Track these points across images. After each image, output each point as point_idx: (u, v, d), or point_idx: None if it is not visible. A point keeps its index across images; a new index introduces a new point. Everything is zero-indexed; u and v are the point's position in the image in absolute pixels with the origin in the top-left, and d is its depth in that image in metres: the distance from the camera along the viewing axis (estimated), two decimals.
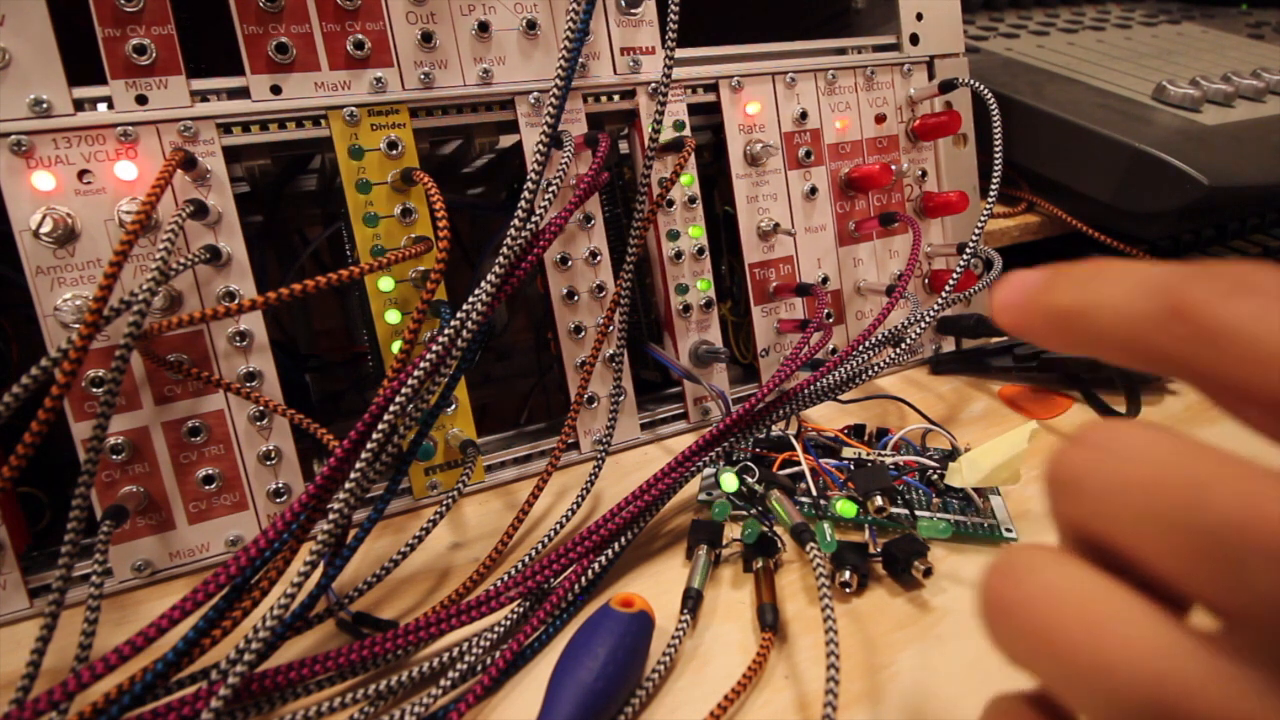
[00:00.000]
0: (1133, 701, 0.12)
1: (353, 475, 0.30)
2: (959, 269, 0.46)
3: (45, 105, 0.35)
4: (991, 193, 0.48)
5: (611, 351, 0.46)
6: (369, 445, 0.31)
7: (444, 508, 0.38)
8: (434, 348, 0.33)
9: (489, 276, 0.35)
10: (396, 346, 0.41)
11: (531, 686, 0.30)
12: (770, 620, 0.31)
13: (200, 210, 0.37)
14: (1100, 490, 0.14)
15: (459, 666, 0.29)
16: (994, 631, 0.14)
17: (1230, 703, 0.12)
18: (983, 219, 0.47)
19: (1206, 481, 0.13)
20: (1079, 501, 0.14)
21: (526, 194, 0.37)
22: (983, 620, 0.15)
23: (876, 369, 0.41)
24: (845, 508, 0.36)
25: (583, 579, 0.33)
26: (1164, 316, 0.14)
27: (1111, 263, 0.16)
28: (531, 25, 0.43)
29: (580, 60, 0.45)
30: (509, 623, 0.32)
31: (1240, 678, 0.12)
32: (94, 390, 0.36)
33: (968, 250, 0.47)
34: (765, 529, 0.36)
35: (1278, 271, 0.13)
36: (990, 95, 0.49)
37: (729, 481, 0.38)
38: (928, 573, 0.33)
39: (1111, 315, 0.15)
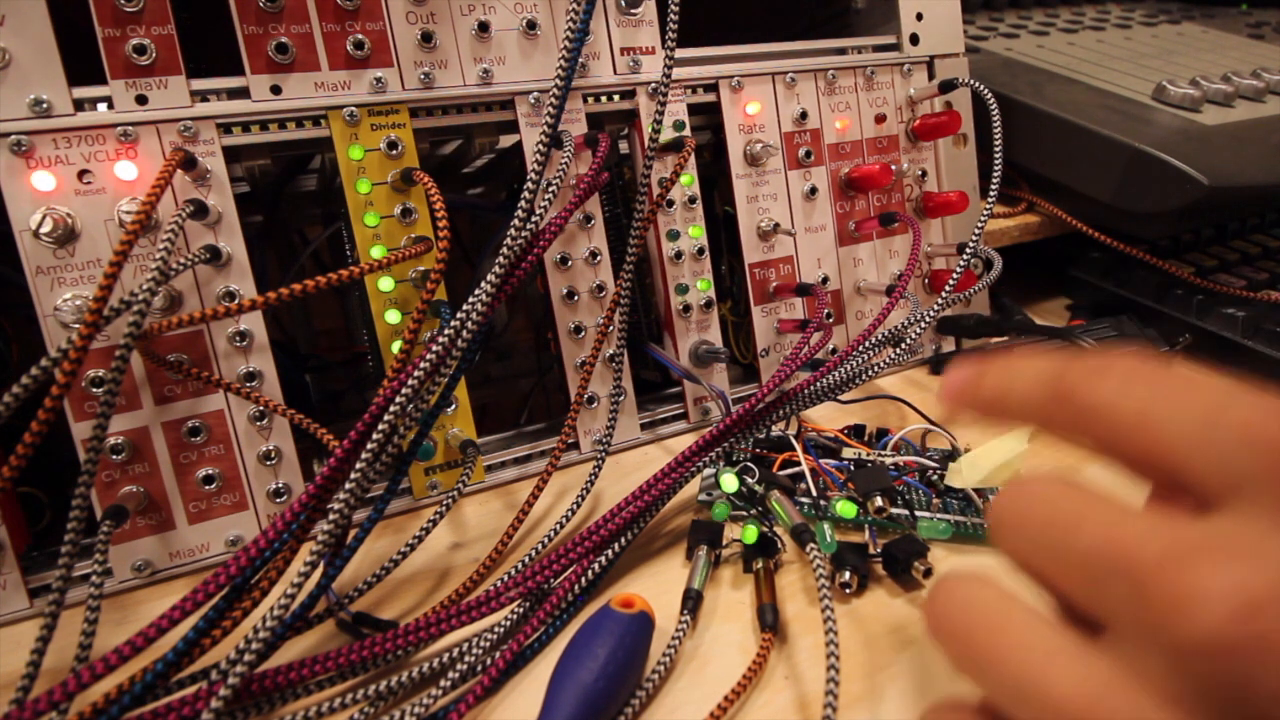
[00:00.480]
0: (1020, 692, 0.16)
1: (353, 475, 0.30)
2: (959, 269, 0.46)
3: (45, 105, 0.35)
4: (991, 193, 0.48)
5: (611, 351, 0.46)
6: (369, 445, 0.31)
7: (444, 508, 0.38)
8: (434, 348, 0.33)
9: (489, 276, 0.35)
10: (396, 346, 0.41)
11: (532, 687, 0.30)
12: (770, 621, 0.31)
13: (200, 210, 0.37)
14: (1015, 527, 0.18)
15: (459, 667, 0.29)
16: (932, 637, 0.18)
17: (1096, 695, 0.15)
18: (983, 219, 0.47)
19: (1082, 517, 0.17)
20: (1004, 536, 0.19)
21: (526, 194, 0.37)
22: (926, 628, 0.19)
23: (876, 369, 0.41)
24: (845, 508, 0.36)
25: (583, 579, 0.33)
26: (1052, 400, 0.19)
27: (1021, 358, 0.20)
28: (531, 25, 0.43)
29: (580, 60, 0.45)
30: (509, 623, 0.32)
31: (1107, 675, 0.15)
32: (94, 390, 0.36)
33: (968, 250, 0.47)
34: (765, 529, 0.36)
35: (1130, 358, 0.18)
36: (990, 95, 0.49)
37: (729, 482, 0.38)
38: (928, 573, 0.33)
39: (1019, 401, 0.20)
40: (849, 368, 0.40)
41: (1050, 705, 0.15)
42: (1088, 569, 0.16)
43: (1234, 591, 0.14)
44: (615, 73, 0.46)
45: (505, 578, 0.34)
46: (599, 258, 0.46)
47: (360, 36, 0.40)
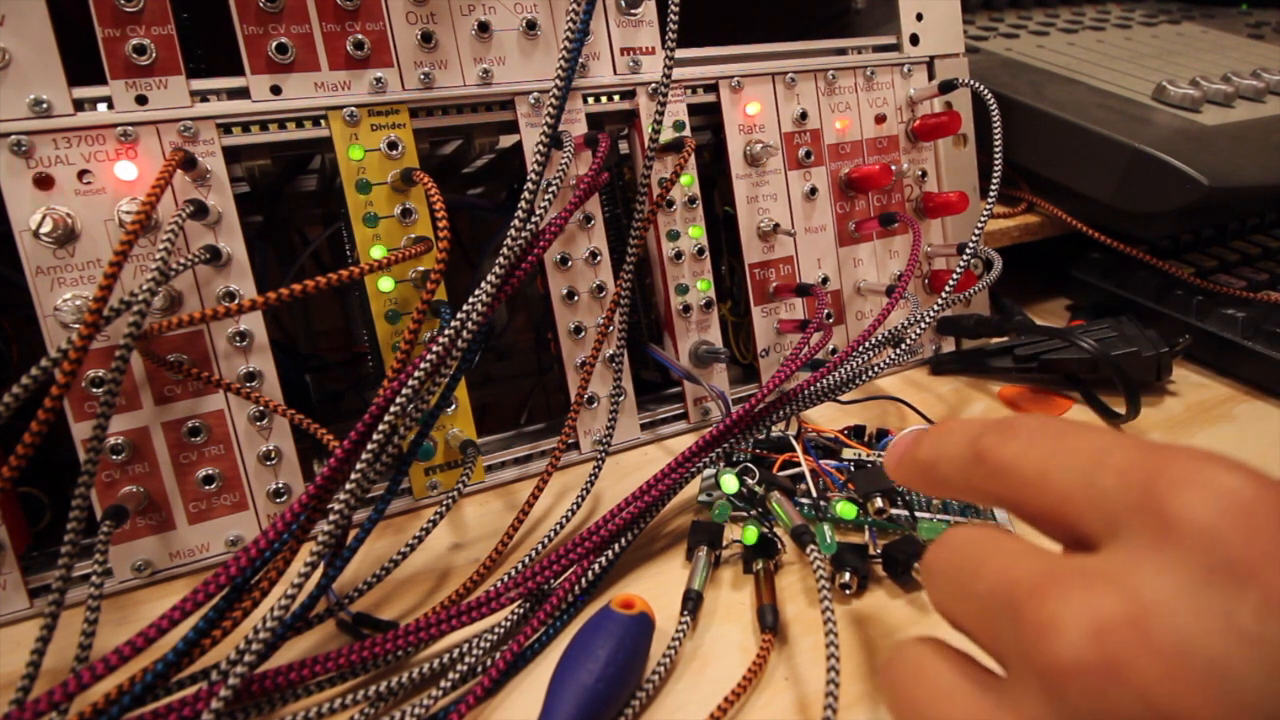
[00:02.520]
0: None
1: (353, 476, 0.30)
2: (959, 269, 0.46)
3: (45, 105, 0.35)
4: (991, 193, 0.48)
5: (611, 351, 0.46)
6: (369, 446, 0.31)
7: (444, 508, 0.38)
8: (434, 348, 0.33)
9: (489, 277, 0.35)
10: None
11: (532, 688, 0.30)
12: (770, 621, 0.31)
13: (200, 210, 0.37)
14: (934, 575, 0.20)
15: (459, 667, 0.29)
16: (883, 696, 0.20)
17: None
18: (983, 219, 0.47)
19: (985, 561, 0.18)
20: (928, 585, 0.20)
21: (526, 194, 0.37)
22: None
23: (876, 369, 0.41)
24: (845, 509, 0.36)
25: (583, 580, 0.33)
26: (972, 462, 0.20)
27: (951, 424, 0.22)
28: (531, 25, 0.43)
29: (580, 60, 0.45)
30: (509, 624, 0.32)
31: (1003, 710, 0.16)
32: (94, 390, 0.36)
33: (968, 250, 0.47)
34: (765, 530, 0.36)
35: (1034, 419, 0.20)
36: (990, 95, 0.49)
37: (729, 483, 0.38)
38: None
39: (947, 465, 0.21)
40: (849, 368, 0.40)
41: (1015, 590, 0.17)
42: (983, 609, 0.18)
43: (1087, 617, 0.15)
44: (615, 73, 0.46)
45: (505, 578, 0.34)
46: (599, 258, 0.46)
47: (360, 36, 0.40)
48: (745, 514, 0.38)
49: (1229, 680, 0.14)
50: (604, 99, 0.46)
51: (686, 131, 0.48)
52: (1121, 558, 0.16)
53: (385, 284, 0.41)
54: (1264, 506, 0.15)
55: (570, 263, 0.45)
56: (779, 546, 0.35)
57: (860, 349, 0.41)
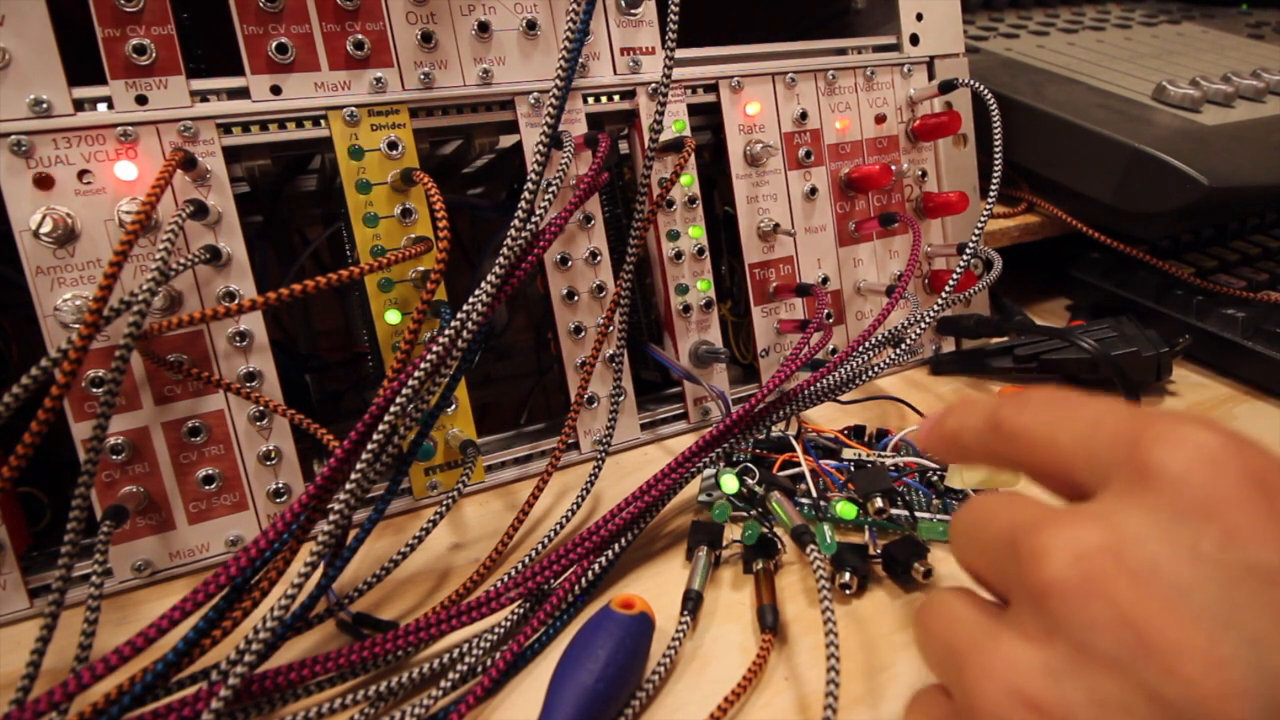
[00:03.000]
0: (940, 652, 0.21)
1: (353, 476, 0.30)
2: (959, 269, 0.46)
3: (45, 105, 0.35)
4: (991, 193, 0.48)
5: (611, 351, 0.46)
6: (369, 446, 0.31)
7: (444, 508, 0.38)
8: (434, 348, 0.33)
9: (489, 277, 0.35)
10: (395, 321, 0.41)
11: (532, 688, 0.30)
12: (770, 622, 0.31)
13: (200, 210, 0.37)
14: (956, 533, 0.23)
15: (459, 667, 0.29)
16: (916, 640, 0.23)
17: (998, 644, 0.19)
18: (983, 219, 0.47)
19: (995, 515, 0.21)
20: (952, 543, 0.23)
21: (526, 194, 0.37)
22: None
23: (876, 370, 0.41)
24: (845, 509, 0.36)
25: (583, 580, 0.33)
26: (990, 430, 0.23)
27: (973, 399, 0.26)
28: (531, 25, 0.43)
29: (580, 60, 0.45)
30: (509, 624, 0.32)
31: (1004, 632, 0.19)
32: (94, 390, 0.36)
33: (968, 250, 0.47)
34: (765, 530, 0.36)
35: (1045, 390, 0.23)
36: (990, 95, 0.49)
37: (729, 483, 0.38)
38: (928, 574, 0.33)
39: (969, 434, 0.24)
40: (849, 368, 0.40)
41: (952, 653, 0.20)
42: (991, 550, 0.21)
43: (1071, 545, 0.18)
44: (615, 73, 0.46)
45: (505, 578, 0.34)
46: (599, 258, 0.46)
47: (360, 36, 0.40)
48: (745, 514, 0.38)
49: (1191, 595, 0.17)
50: (604, 99, 0.46)
51: (686, 131, 0.48)
52: (1107, 501, 0.19)
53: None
54: (1228, 457, 0.18)
55: (570, 263, 0.45)
56: (779, 546, 0.35)
57: (860, 349, 0.41)
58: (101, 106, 0.36)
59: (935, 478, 0.40)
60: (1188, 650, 0.16)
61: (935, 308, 0.43)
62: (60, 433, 0.34)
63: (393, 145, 0.40)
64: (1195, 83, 0.66)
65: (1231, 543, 0.17)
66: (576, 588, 0.33)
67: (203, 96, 0.38)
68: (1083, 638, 0.17)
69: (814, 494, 0.38)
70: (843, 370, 0.40)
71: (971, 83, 0.52)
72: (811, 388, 0.39)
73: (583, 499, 0.40)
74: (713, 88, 0.49)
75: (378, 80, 0.40)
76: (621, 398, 0.46)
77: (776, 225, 0.50)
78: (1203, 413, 0.48)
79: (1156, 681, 0.16)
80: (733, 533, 0.37)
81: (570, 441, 0.45)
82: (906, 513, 0.37)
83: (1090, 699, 0.17)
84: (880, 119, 0.54)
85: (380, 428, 0.31)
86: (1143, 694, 0.16)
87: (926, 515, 0.37)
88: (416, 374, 0.33)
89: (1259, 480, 0.18)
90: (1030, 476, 0.22)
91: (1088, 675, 0.17)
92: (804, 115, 0.51)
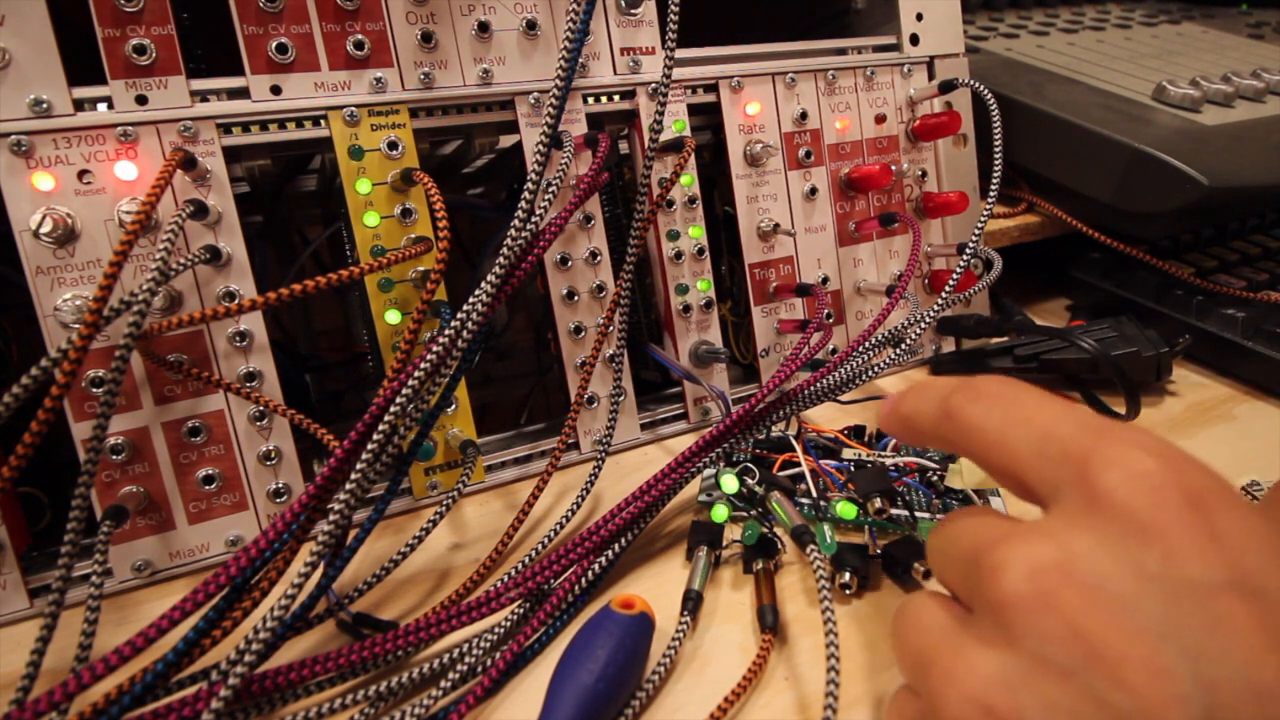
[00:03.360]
0: (910, 655, 0.22)
1: (353, 476, 0.30)
2: (959, 269, 0.46)
3: (45, 105, 0.35)
4: (991, 193, 0.48)
5: (611, 351, 0.46)
6: (369, 446, 0.31)
7: (444, 508, 0.38)
8: (434, 348, 0.33)
9: (489, 277, 0.35)
10: (395, 321, 0.41)
11: (532, 688, 0.30)
12: (770, 622, 0.31)
13: (200, 210, 0.37)
14: (931, 549, 0.24)
15: (459, 668, 0.29)
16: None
17: (960, 651, 0.20)
18: (983, 219, 0.47)
19: (963, 532, 0.22)
20: (928, 558, 0.25)
21: (526, 194, 0.37)
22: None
23: (877, 369, 0.41)
24: (845, 509, 0.36)
25: (583, 580, 0.33)
26: (941, 418, 0.24)
27: (926, 383, 0.26)
28: (531, 25, 0.43)
29: (580, 60, 0.45)
30: (509, 624, 0.32)
31: (967, 641, 0.20)
32: (94, 390, 0.36)
33: (968, 250, 0.47)
34: (765, 530, 0.36)
35: (996, 383, 0.24)
36: (990, 95, 0.49)
37: (729, 483, 0.38)
38: (928, 574, 0.33)
39: (921, 419, 0.25)
40: (849, 368, 0.40)
41: (920, 658, 0.21)
42: (959, 565, 0.22)
43: (1026, 561, 0.19)
44: (615, 73, 0.46)
45: (505, 578, 0.34)
46: (599, 258, 0.46)
47: (360, 36, 0.40)
48: (745, 514, 0.38)
49: (1135, 611, 0.18)
50: (604, 99, 0.46)
51: (686, 131, 0.48)
52: (1058, 519, 0.20)
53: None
54: (1168, 481, 0.20)
55: (570, 263, 0.45)
56: (779, 546, 0.35)
57: (860, 349, 0.41)
58: (101, 106, 0.36)
59: (935, 478, 0.40)
60: (1132, 660, 0.17)
61: (935, 308, 0.43)
62: (60, 433, 0.34)
63: (393, 145, 0.40)
64: (1195, 83, 0.66)
65: (1171, 561, 0.18)
66: (576, 588, 0.33)
67: (203, 96, 0.38)
68: (1037, 648, 0.18)
69: (814, 494, 0.38)
70: (843, 370, 0.40)
71: (971, 83, 0.52)
72: (811, 388, 0.39)
73: (583, 499, 0.40)
74: (713, 88, 0.49)
75: (378, 80, 0.40)
76: (621, 398, 0.46)
77: (776, 225, 0.50)
78: (1202, 413, 0.48)
79: (1104, 689, 0.17)
80: (733, 533, 0.37)
81: (570, 441, 0.45)
82: (906, 513, 0.37)
83: (1043, 705, 0.18)
84: (880, 119, 0.54)
85: (380, 428, 0.31)
86: (1092, 701, 0.17)
87: (926, 515, 0.37)
88: (416, 374, 0.33)
89: (1196, 501, 0.19)
90: (980, 466, 0.24)
91: (1041, 684, 0.18)
92: (804, 115, 0.51)
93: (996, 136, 0.48)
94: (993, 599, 0.19)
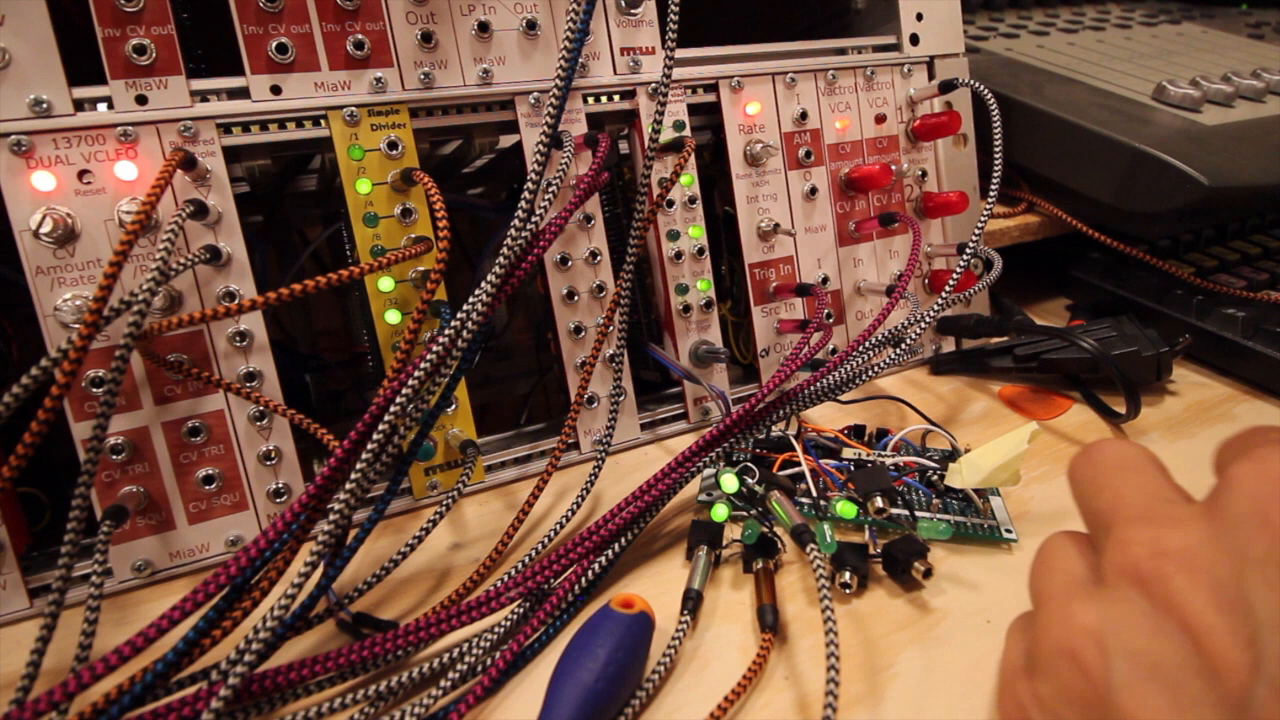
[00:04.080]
0: (1036, 603, 0.25)
1: (353, 476, 0.30)
2: (959, 269, 0.46)
3: (45, 105, 0.35)
4: (991, 193, 0.48)
5: (611, 351, 0.46)
6: (369, 446, 0.31)
7: (444, 508, 0.38)
8: (434, 348, 0.33)
9: (489, 277, 0.35)
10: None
11: (532, 687, 0.30)
12: (770, 621, 0.31)
13: (200, 210, 0.37)
14: (1075, 476, 0.26)
15: (459, 667, 0.29)
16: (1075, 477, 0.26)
17: (1070, 602, 0.22)
18: (983, 219, 0.47)
19: (1108, 481, 0.25)
20: (1074, 480, 0.26)
21: (526, 194, 0.37)
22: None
23: (876, 369, 0.41)
24: (845, 509, 0.36)
25: (583, 580, 0.33)
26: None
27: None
28: (531, 25, 0.43)
29: (580, 60, 0.45)
30: (509, 623, 0.32)
31: (1082, 588, 0.23)
32: (94, 390, 0.36)
33: (968, 250, 0.47)
34: (765, 530, 0.36)
35: (1107, 444, 0.26)
36: (990, 95, 0.49)
37: (729, 482, 0.38)
38: (928, 574, 0.33)
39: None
40: (849, 368, 0.40)
41: (1039, 596, 0.25)
42: (1095, 516, 0.24)
43: (1154, 542, 0.21)
44: (615, 73, 0.46)
45: (505, 578, 0.34)
46: (599, 258, 0.46)
47: (360, 36, 0.40)
48: (745, 513, 0.38)
49: (1247, 608, 0.19)
50: (604, 99, 0.46)
51: (686, 131, 0.48)
52: (1201, 517, 0.21)
53: (385, 284, 0.41)
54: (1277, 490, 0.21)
55: (570, 263, 0.45)
56: (779, 546, 0.35)
57: (860, 349, 0.41)
58: (101, 106, 0.36)
59: (935, 477, 0.40)
60: (1219, 630, 0.19)
61: (935, 308, 0.43)
62: (60, 433, 0.34)
63: (393, 145, 0.40)
64: (1195, 83, 0.66)
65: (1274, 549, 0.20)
66: (576, 587, 0.33)
67: (203, 96, 0.38)
68: (1140, 611, 0.20)
69: (814, 493, 0.38)
70: (843, 370, 0.40)
71: (971, 83, 0.52)
72: (811, 387, 0.39)
73: (583, 499, 0.40)
74: (713, 88, 0.49)
75: (378, 80, 0.40)
76: (621, 398, 0.46)
77: (776, 225, 0.50)
78: (1202, 412, 0.48)
79: (1190, 657, 0.19)
80: (733, 532, 0.37)
81: (570, 441, 0.45)
82: (906, 512, 0.37)
83: (1126, 655, 0.20)
84: (880, 119, 0.54)
85: (380, 428, 0.31)
86: (1176, 665, 0.19)
87: (926, 515, 0.37)
88: (416, 374, 0.33)
89: None
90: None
91: (1132, 638, 0.20)
92: (804, 115, 0.51)
93: (996, 136, 0.48)
94: (1115, 565, 0.22)
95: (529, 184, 0.37)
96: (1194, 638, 0.19)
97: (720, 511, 0.37)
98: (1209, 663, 0.19)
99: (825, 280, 0.53)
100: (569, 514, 0.39)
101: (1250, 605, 0.19)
